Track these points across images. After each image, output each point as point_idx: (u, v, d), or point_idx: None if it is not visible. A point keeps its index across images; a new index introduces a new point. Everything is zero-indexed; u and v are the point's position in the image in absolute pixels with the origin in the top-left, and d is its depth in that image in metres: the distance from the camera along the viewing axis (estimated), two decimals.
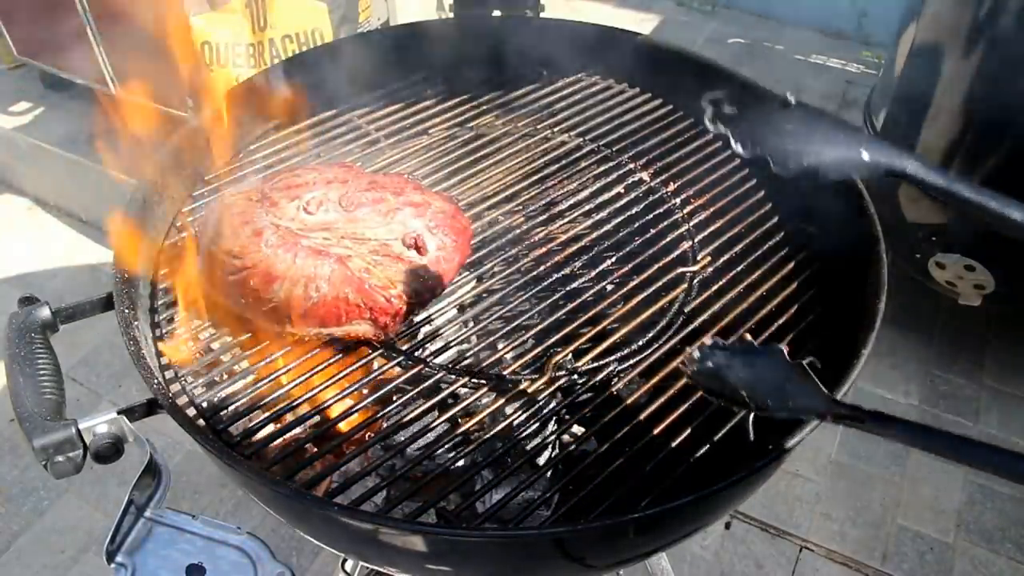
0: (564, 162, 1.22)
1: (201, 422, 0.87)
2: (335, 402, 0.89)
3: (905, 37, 1.98)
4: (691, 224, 1.13)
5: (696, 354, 0.76)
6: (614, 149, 1.24)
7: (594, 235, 1.09)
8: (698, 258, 1.07)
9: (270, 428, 0.88)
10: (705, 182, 1.17)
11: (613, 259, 1.07)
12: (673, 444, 0.83)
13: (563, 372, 0.92)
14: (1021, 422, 2.08)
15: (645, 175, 1.20)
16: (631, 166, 1.21)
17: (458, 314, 1.01)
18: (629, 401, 0.88)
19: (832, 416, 0.68)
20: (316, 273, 0.88)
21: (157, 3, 2.02)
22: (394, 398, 0.90)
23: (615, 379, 0.93)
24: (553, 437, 0.89)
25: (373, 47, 1.37)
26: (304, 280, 0.88)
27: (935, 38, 1.87)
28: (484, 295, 1.02)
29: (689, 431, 0.84)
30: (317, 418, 0.88)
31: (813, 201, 1.06)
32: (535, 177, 1.19)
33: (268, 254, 0.88)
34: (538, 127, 1.29)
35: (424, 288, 0.93)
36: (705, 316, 0.98)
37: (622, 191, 1.16)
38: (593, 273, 1.03)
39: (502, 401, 0.90)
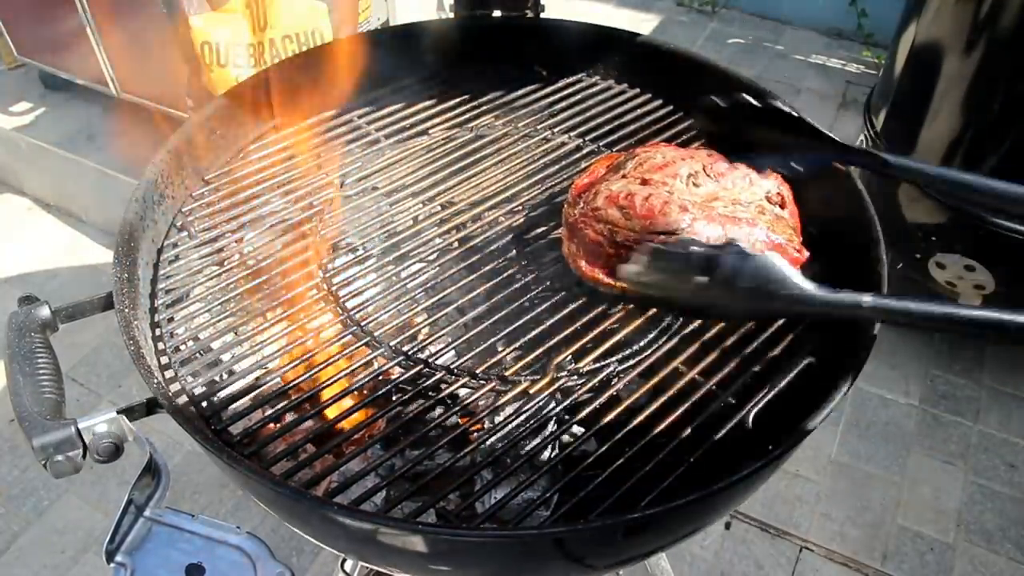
0: (564, 162, 1.22)
1: (201, 422, 0.87)
2: (335, 402, 0.89)
3: (905, 37, 1.98)
4: None
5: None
6: (614, 150, 1.24)
7: None
8: None
9: (270, 428, 0.88)
10: None
11: None
12: (673, 444, 0.83)
13: (564, 373, 0.92)
14: (1021, 422, 2.08)
15: None
16: None
17: (458, 315, 1.01)
18: (629, 401, 0.88)
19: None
20: (741, 240, 0.93)
21: (157, 3, 2.02)
22: (394, 398, 0.90)
23: (615, 379, 0.93)
24: (553, 437, 0.89)
25: (373, 47, 1.37)
26: None
27: (935, 38, 1.87)
28: (485, 295, 1.02)
29: (689, 431, 0.84)
30: (317, 418, 0.88)
31: (812, 202, 1.06)
32: (535, 177, 1.19)
33: (698, 229, 0.92)
34: (538, 127, 1.29)
35: (797, 234, 1.00)
36: None
37: None
38: None
39: (502, 401, 0.90)
